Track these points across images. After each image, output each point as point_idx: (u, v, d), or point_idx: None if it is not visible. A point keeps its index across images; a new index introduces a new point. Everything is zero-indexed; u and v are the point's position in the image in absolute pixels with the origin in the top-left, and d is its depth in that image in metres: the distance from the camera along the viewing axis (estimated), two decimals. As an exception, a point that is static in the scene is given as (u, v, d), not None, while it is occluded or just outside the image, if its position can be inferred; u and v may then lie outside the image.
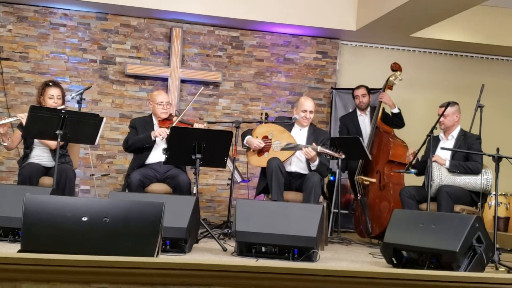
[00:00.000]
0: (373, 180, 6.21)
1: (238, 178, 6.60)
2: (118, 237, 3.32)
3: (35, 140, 5.46)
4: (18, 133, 5.48)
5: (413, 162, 5.57)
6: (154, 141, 5.53)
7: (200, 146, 5.04)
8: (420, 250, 3.97)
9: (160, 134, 5.46)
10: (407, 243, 4.06)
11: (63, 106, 5.45)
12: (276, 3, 7.38)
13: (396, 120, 6.57)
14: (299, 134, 5.74)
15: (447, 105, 5.55)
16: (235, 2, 7.29)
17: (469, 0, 6.30)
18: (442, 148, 5.54)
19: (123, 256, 3.08)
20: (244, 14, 7.33)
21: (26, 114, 5.21)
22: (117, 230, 3.31)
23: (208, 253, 4.51)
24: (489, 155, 4.79)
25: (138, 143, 5.60)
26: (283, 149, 5.58)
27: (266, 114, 6.93)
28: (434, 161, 5.43)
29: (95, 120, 5.20)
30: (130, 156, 5.95)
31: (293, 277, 3.20)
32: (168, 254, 4.20)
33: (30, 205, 3.30)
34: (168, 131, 5.35)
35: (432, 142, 5.42)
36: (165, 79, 7.49)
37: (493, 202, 6.64)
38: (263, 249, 4.33)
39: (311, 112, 5.72)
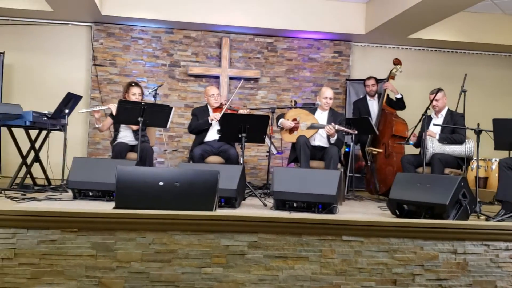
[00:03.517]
0: (380, 150, 6.12)
1: (274, 151, 6.57)
2: (186, 196, 3.35)
3: (122, 125, 5.55)
4: (109, 120, 5.55)
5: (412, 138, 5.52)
6: (211, 124, 5.56)
7: (245, 127, 5.03)
8: (418, 204, 3.90)
9: (214, 118, 5.51)
10: (407, 199, 3.99)
11: (140, 100, 5.51)
12: (301, 14, 7.27)
13: (399, 104, 6.45)
14: (321, 116, 5.68)
15: (438, 90, 5.44)
16: (270, 15, 7.22)
17: (454, 8, 6.17)
18: (434, 125, 5.42)
19: (190, 211, 3.14)
20: (277, 25, 7.25)
21: (114, 104, 5.31)
22: (185, 192, 3.35)
23: (253, 208, 4.52)
24: (471, 129, 4.65)
25: (198, 126, 5.63)
26: (309, 128, 5.53)
27: (295, 101, 6.85)
28: (428, 135, 5.34)
29: (166, 110, 5.22)
30: (193, 136, 6.01)
31: (318, 226, 3.21)
32: (223, 209, 4.23)
33: (121, 173, 3.35)
34: (219, 116, 5.39)
35: (426, 120, 5.34)
36: (217, 77, 7.48)
37: (475, 166, 6.51)
38: (295, 204, 4.32)
39: (330, 98, 5.65)
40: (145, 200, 3.30)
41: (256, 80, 7.61)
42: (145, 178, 3.35)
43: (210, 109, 5.75)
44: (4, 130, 5.89)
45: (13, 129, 5.34)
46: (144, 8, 6.98)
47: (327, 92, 5.66)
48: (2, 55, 6.94)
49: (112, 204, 3.98)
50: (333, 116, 5.66)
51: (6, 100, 6.98)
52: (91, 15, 6.97)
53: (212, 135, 5.60)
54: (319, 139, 5.59)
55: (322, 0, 7.29)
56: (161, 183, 3.33)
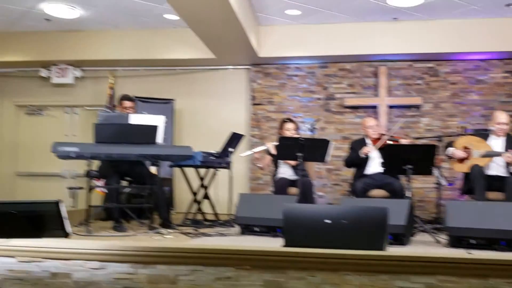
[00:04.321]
0: None
1: (443, 182, 6.16)
2: (354, 234, 3.27)
3: (280, 161, 5.68)
4: (268, 157, 5.75)
5: None
6: (364, 158, 5.43)
7: (410, 158, 4.79)
8: None
9: (365, 152, 5.39)
10: None
11: (297, 136, 5.62)
12: (464, 36, 6.82)
13: None
14: (496, 143, 5.18)
15: None
16: (429, 40, 6.91)
17: None
18: None
19: (360, 250, 3.04)
20: (437, 48, 6.90)
21: (271, 143, 5.50)
22: (353, 229, 3.27)
23: (424, 245, 4.24)
24: None
25: (352, 160, 5.57)
26: (483, 156, 5.08)
27: (464, 127, 6.40)
28: None
29: (325, 144, 5.23)
30: (352, 168, 5.92)
31: (509, 267, 2.87)
32: (392, 247, 4.04)
33: (288, 211, 3.40)
34: (371, 149, 5.25)
35: None
36: (375, 107, 7.32)
37: None
38: (472, 241, 3.96)
39: (505, 124, 5.16)
40: (312, 238, 3.29)
41: (417, 107, 7.28)
42: (311, 216, 3.35)
43: (368, 141, 5.62)
44: (177, 169, 6.43)
45: (184, 168, 5.81)
46: (299, 46, 7.19)
47: (501, 116, 5.17)
48: (173, 101, 7.68)
49: (278, 240, 4.06)
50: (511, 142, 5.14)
51: (178, 142, 7.66)
52: (249, 59, 7.39)
53: (374, 167, 5.45)
54: (496, 168, 5.09)
55: (485, 19, 6.78)
56: (327, 221, 3.30)
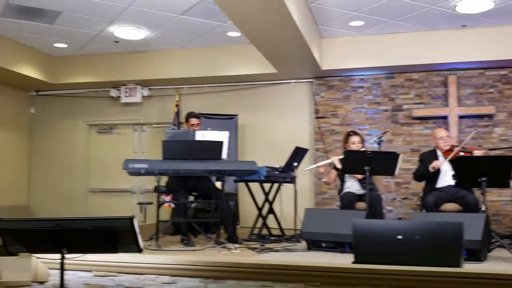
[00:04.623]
0: None
1: (521, 195, 5.85)
2: (428, 250, 3.16)
3: (346, 175, 5.60)
4: (334, 172, 5.68)
5: None
6: (432, 171, 5.26)
7: (484, 170, 4.59)
8: None
9: (435, 166, 5.22)
10: None
11: (363, 149, 5.54)
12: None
13: None
14: None
15: None
16: (502, 46, 6.63)
17: None
18: None
19: (434, 267, 2.94)
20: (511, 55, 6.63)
21: (336, 156, 5.45)
22: (426, 245, 3.16)
23: (502, 261, 4.03)
24: None
25: (421, 175, 5.42)
26: None
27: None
28: None
29: (393, 157, 5.12)
30: (423, 182, 5.75)
31: None
32: (467, 263, 3.87)
33: (357, 227, 3.35)
34: (441, 163, 5.07)
35: None
36: (445, 117, 7.09)
37: None
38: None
39: None
40: (384, 254, 3.21)
41: (490, 116, 6.98)
42: (382, 231, 3.28)
43: (439, 153, 5.44)
44: (241, 184, 6.50)
45: (249, 183, 5.86)
46: (363, 57, 7.12)
47: None
48: (236, 117, 7.79)
49: (346, 255, 4.00)
50: None
51: (241, 157, 7.75)
52: (311, 72, 7.38)
53: (445, 180, 5.26)
54: None
55: None
56: (399, 237, 3.21)
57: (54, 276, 3.70)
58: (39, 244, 2.83)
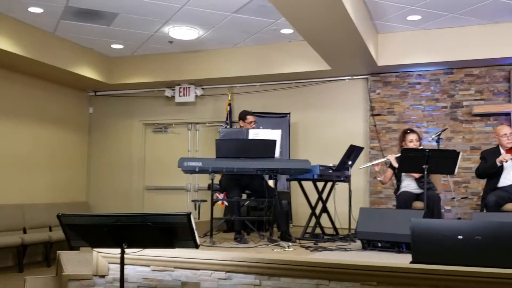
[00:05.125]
0: None
1: None
2: (490, 251, 3.07)
3: (403, 174, 5.51)
4: (389, 171, 5.60)
5: None
6: (499, 167, 5.08)
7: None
8: None
9: (503, 159, 5.07)
10: None
11: (421, 147, 5.43)
12: None
13: None
14: None
15: None
16: None
17: None
18: None
19: (497, 268, 2.85)
20: None
21: (392, 155, 5.38)
22: (488, 246, 3.07)
23: None
24: None
25: (486, 170, 5.27)
26: None
27: None
28: None
29: (453, 155, 5.01)
30: (483, 181, 5.57)
31: None
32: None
33: (416, 226, 3.29)
34: (509, 156, 4.89)
35: None
36: (507, 114, 6.82)
37: None
38: None
39: None
40: (443, 255, 3.14)
41: (559, 112, 6.67)
42: (441, 231, 3.21)
43: (502, 151, 5.27)
44: (294, 183, 6.50)
45: (302, 182, 5.86)
46: (421, 52, 6.95)
47: None
48: (288, 115, 7.81)
49: (403, 256, 3.94)
50: None
51: (293, 155, 7.76)
52: (367, 68, 7.29)
53: (508, 179, 5.09)
54: None
55: None
56: (460, 237, 3.14)
57: (114, 270, 3.84)
58: (100, 239, 2.95)
